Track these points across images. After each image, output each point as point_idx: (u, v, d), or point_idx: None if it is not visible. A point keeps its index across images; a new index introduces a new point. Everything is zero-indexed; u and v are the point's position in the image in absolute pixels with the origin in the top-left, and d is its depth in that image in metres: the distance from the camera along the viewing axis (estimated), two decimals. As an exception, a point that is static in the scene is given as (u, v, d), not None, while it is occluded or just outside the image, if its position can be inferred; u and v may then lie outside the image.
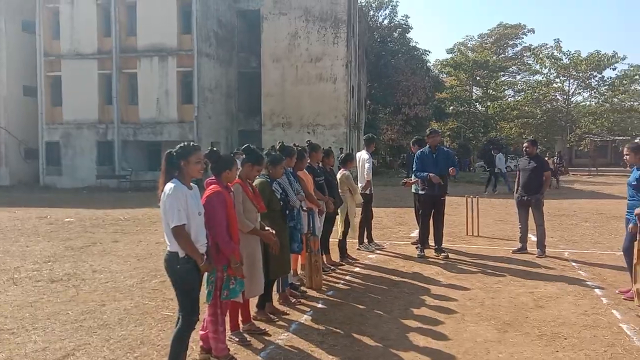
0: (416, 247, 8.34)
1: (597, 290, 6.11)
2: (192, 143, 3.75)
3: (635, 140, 6.44)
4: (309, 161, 6.63)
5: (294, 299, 5.70)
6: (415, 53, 38.52)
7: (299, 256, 6.33)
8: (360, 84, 31.84)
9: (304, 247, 6.00)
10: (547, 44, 45.40)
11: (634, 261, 5.53)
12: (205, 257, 3.68)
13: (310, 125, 26.86)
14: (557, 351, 4.29)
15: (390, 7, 38.80)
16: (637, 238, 5.49)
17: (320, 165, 7.09)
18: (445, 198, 8.11)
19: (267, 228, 4.71)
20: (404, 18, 38.76)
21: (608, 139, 41.60)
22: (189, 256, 3.58)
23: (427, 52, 42.29)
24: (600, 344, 4.43)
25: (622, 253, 6.08)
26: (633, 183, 5.88)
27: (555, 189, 19.65)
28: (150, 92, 24.28)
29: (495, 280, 6.61)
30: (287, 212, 5.40)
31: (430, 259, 7.88)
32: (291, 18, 26.92)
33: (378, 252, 8.50)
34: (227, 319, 4.33)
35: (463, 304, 5.62)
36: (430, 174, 7.75)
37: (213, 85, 25.59)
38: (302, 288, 6.17)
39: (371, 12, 38.99)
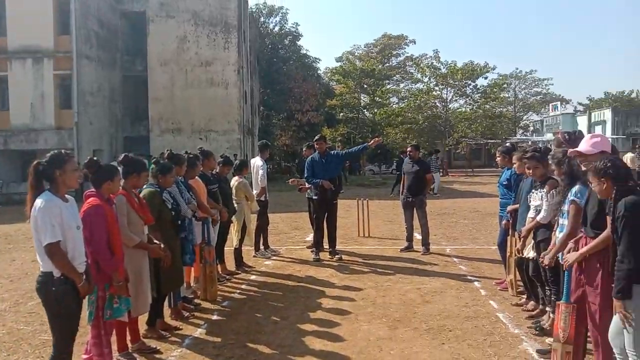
0: (311, 251, 8.46)
1: (476, 283, 6.60)
2: (63, 151, 3.45)
3: (506, 144, 7.05)
4: (201, 169, 6.45)
5: (188, 313, 5.50)
6: (306, 60, 39.25)
7: (192, 268, 6.13)
8: (253, 89, 31.73)
9: (198, 258, 5.82)
10: (427, 54, 48.55)
11: (508, 254, 6.05)
12: (84, 277, 3.35)
13: (202, 131, 26.22)
14: (443, 343, 4.56)
15: (280, 14, 39.19)
16: (510, 233, 6.01)
17: (214, 172, 6.94)
18: (337, 202, 8.32)
19: (155, 241, 4.48)
20: (294, 26, 39.34)
21: (482, 142, 45.27)
22: (65, 276, 3.25)
23: (318, 60, 43.37)
24: (480, 333, 4.78)
25: (497, 247, 6.62)
26: (504, 183, 6.44)
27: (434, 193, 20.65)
28: (23, 96, 22.23)
29: (386, 279, 6.89)
30: (179, 222, 5.20)
31: (325, 262, 8.03)
32: (179, 21, 26.14)
33: (274, 258, 8.49)
34: (114, 339, 4.06)
35: (357, 304, 5.78)
36: (323, 181, 7.91)
37: (95, 89, 24.04)
38: (196, 300, 5.97)
39: (262, 19, 39.06)
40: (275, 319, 5.37)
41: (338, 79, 46.97)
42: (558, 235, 4.01)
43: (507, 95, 51.05)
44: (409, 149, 9.26)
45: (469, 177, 33.84)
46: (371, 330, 4.96)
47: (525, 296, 5.66)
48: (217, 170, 7.07)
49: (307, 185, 8.52)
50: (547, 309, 4.84)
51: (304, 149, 9.80)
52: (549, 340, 4.44)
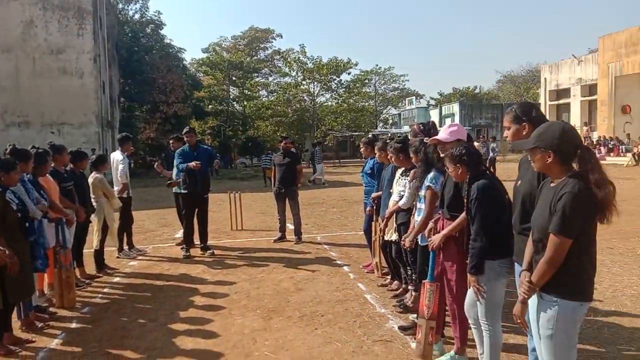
0: (181, 248, 8.15)
1: (345, 268, 6.87)
2: None
3: (368, 136, 7.41)
4: (52, 165, 5.86)
5: (41, 323, 4.98)
6: (170, 50, 37.58)
7: (45, 274, 5.57)
8: (112, 79, 29.67)
9: (51, 262, 5.29)
10: (294, 49, 49.31)
11: (373, 239, 6.39)
12: None
13: (54, 124, 23.97)
14: (316, 329, 4.67)
15: (141, 1, 37.05)
16: (374, 219, 6.34)
17: (69, 168, 6.35)
18: (208, 196, 8.11)
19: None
20: (156, 14, 37.46)
21: (347, 134, 47.30)
22: None
23: (182, 50, 41.80)
24: (350, 315, 4.98)
25: (363, 233, 6.95)
26: (367, 172, 6.76)
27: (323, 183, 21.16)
28: None
29: (260, 270, 6.88)
30: (27, 224, 4.67)
31: (196, 258, 7.79)
32: (24, 4, 23.56)
33: (140, 258, 8.03)
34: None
35: (230, 299, 5.70)
36: (191, 164, 7.57)
37: None
38: (52, 309, 5.43)
39: (120, 5, 36.61)
40: (142, 321, 5.09)
41: (205, 70, 45.82)
42: (416, 219, 4.30)
43: (368, 90, 53.78)
44: (283, 142, 9.36)
45: (336, 168, 35.06)
46: (245, 323, 4.92)
47: (389, 277, 6.02)
48: (72, 167, 6.49)
49: (175, 179, 8.18)
50: (410, 287, 5.18)
51: (171, 142, 9.35)
52: (412, 316, 4.77)
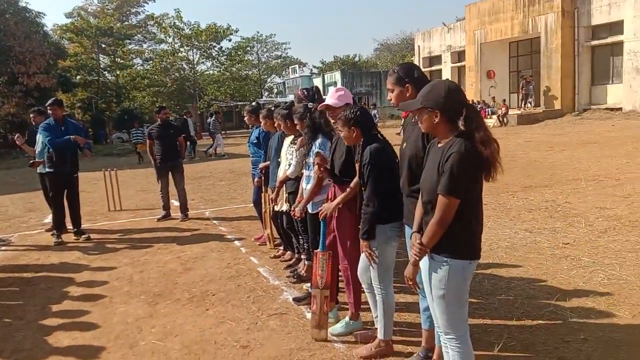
0: (52, 234, 7.37)
1: (236, 242, 6.65)
2: None
3: (252, 104, 7.15)
4: None
5: None
6: (27, 15, 33.56)
7: None
8: (-45, 48, 25.89)
9: None
10: (168, 14, 46.59)
11: (263, 210, 6.22)
12: None
13: None
14: (208, 309, 4.44)
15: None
16: (263, 190, 6.16)
17: None
18: (78, 175, 7.36)
19: None
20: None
21: (232, 104, 46.24)
22: None
23: (42, 15, 37.50)
24: (243, 291, 4.80)
25: (252, 205, 6.76)
26: (254, 141, 6.52)
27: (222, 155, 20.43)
28: None
29: (143, 253, 6.43)
30: None
31: (70, 244, 7.09)
32: None
33: (4, 248, 7.15)
34: None
35: (111, 286, 5.24)
36: (74, 137, 6.87)
37: None
38: None
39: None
40: (7, 320, 4.50)
41: (70, 37, 41.73)
42: (305, 187, 4.19)
43: (251, 58, 52.80)
44: (160, 113, 8.67)
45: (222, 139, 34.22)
46: (129, 311, 4.54)
47: (282, 248, 5.92)
48: None
49: (39, 158, 7.31)
50: (302, 257, 5.12)
51: (31, 115, 8.28)
52: (305, 286, 4.72)
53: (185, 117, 21.44)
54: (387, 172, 3.11)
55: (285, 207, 5.14)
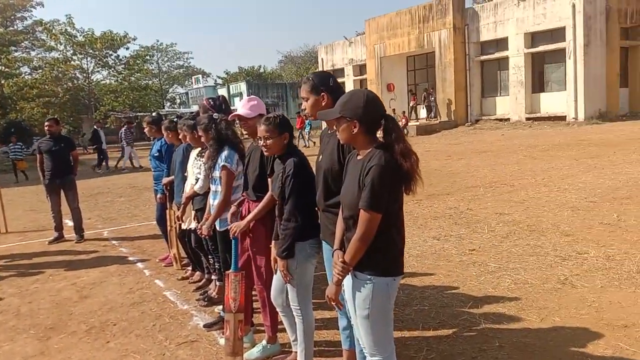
0: None
1: (139, 264, 6.19)
2: None
3: (153, 115, 6.74)
4: None
5: None
6: None
7: None
8: None
9: None
10: (59, 20, 43.46)
11: (168, 228, 5.83)
12: None
13: None
14: (108, 342, 4.02)
15: None
16: (168, 206, 5.79)
17: None
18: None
19: None
20: None
21: (131, 115, 44.01)
22: None
23: None
24: (149, 319, 4.42)
25: (156, 223, 6.33)
26: (155, 155, 6.13)
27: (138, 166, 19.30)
28: None
29: (32, 280, 5.77)
30: None
31: (-59, 276, 6.20)
32: None
33: None
34: None
35: (-8, 322, 4.61)
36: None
37: None
38: None
39: None
40: None
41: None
42: (213, 203, 3.94)
43: (151, 67, 50.79)
44: (47, 123, 7.92)
45: (120, 152, 32.43)
46: (15, 349, 3.99)
47: (190, 268, 5.58)
48: None
49: None
50: (213, 277, 4.84)
51: None
52: (217, 309, 4.45)
53: (96, 127, 20.24)
54: (307, 186, 2.97)
55: (193, 225, 4.84)
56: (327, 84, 2.84)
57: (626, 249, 5.17)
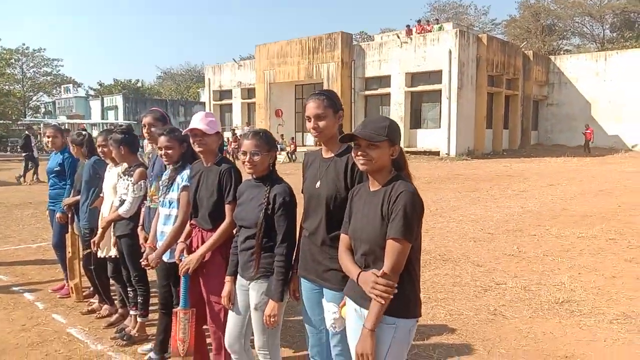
0: None
1: (27, 295, 5.30)
2: None
3: (52, 124, 5.93)
4: None
5: None
6: None
7: None
8: None
9: None
10: None
11: (68, 255, 5.09)
12: None
13: None
14: (9, 394, 3.31)
15: None
16: (69, 230, 5.07)
17: None
18: None
19: None
20: None
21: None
22: None
23: None
24: (58, 363, 3.75)
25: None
26: (56, 169, 5.37)
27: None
28: None
29: None
30: None
31: None
32: None
33: None
34: None
35: None
36: None
37: None
38: None
39: None
40: None
41: None
42: (162, 230, 3.45)
43: (14, 72, 45.87)
44: None
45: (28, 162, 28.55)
46: None
47: (95, 300, 4.90)
48: None
49: None
50: (132, 312, 4.27)
51: None
52: (141, 349, 3.92)
53: (27, 133, 18.07)
54: (295, 216, 2.72)
55: (112, 253, 4.26)
56: (340, 105, 2.65)
57: (537, 280, 5.55)
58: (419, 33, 27.08)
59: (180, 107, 49.52)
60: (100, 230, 4.21)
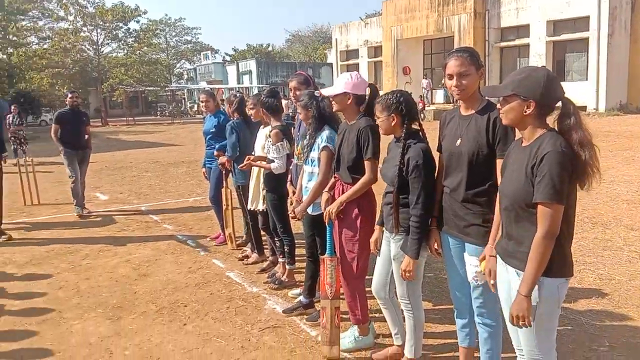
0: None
1: (190, 242, 6.01)
2: None
3: (206, 88, 6.51)
4: None
5: None
6: None
7: None
8: None
9: None
10: (70, -11, 42.71)
11: (224, 207, 5.65)
12: None
13: None
14: (185, 324, 3.86)
15: None
16: (224, 184, 5.60)
17: None
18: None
19: None
20: None
21: (139, 89, 43.51)
22: None
23: None
24: (220, 301, 4.26)
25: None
26: (212, 130, 5.86)
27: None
28: None
29: (83, 255, 5.61)
30: None
31: (-16, 247, 6.05)
32: None
33: None
34: None
35: (54, 297, 4.45)
36: None
37: None
38: None
39: None
40: None
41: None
42: (306, 185, 3.72)
43: (160, 41, 50.11)
44: (72, 95, 7.77)
45: (131, 126, 32.21)
46: (87, 328, 3.84)
47: (247, 248, 5.42)
48: None
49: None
50: (280, 260, 4.66)
51: None
52: (291, 293, 4.30)
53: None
54: (433, 177, 2.78)
55: (261, 207, 4.66)
56: (481, 61, 2.62)
57: None
58: (563, -25, 24.51)
59: (309, 69, 50.59)
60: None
